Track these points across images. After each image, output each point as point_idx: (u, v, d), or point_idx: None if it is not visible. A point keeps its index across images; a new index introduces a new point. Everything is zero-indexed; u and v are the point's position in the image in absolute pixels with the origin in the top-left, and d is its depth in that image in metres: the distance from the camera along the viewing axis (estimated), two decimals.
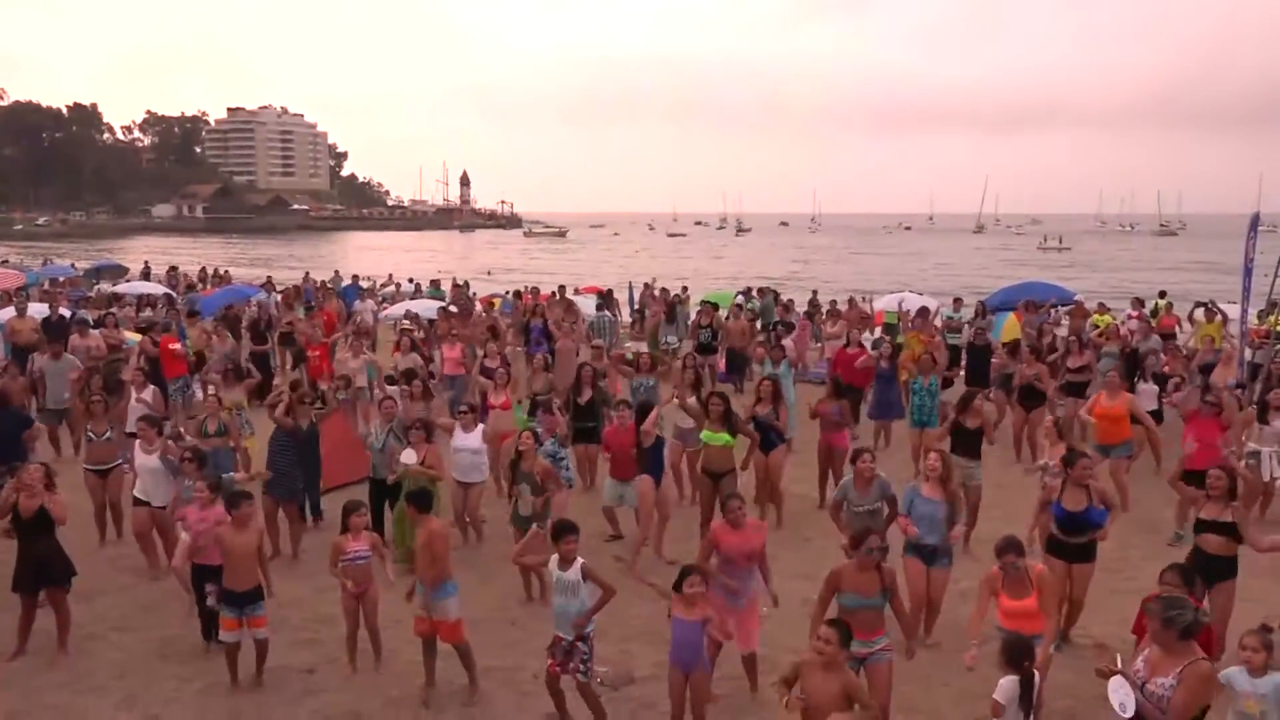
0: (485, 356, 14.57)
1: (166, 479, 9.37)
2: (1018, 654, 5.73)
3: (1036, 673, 5.79)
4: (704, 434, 9.84)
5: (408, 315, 21.48)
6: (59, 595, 8.01)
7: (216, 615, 8.00)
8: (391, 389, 12.34)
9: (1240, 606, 7.46)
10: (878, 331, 20.58)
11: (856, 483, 8.37)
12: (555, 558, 6.66)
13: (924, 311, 19.02)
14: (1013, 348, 14.97)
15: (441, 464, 9.83)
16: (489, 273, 58.99)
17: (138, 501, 9.61)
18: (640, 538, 9.87)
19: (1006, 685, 5.72)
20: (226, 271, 35.56)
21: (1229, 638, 6.88)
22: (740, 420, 10.29)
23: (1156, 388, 13.43)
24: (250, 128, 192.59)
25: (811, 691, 5.27)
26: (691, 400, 11.28)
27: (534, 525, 8.61)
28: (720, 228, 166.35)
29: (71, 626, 8.29)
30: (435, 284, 29.20)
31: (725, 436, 9.76)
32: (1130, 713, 4.86)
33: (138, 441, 9.67)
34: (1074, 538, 7.81)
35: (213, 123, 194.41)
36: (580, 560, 6.61)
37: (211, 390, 12.04)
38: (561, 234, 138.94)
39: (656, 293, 25.50)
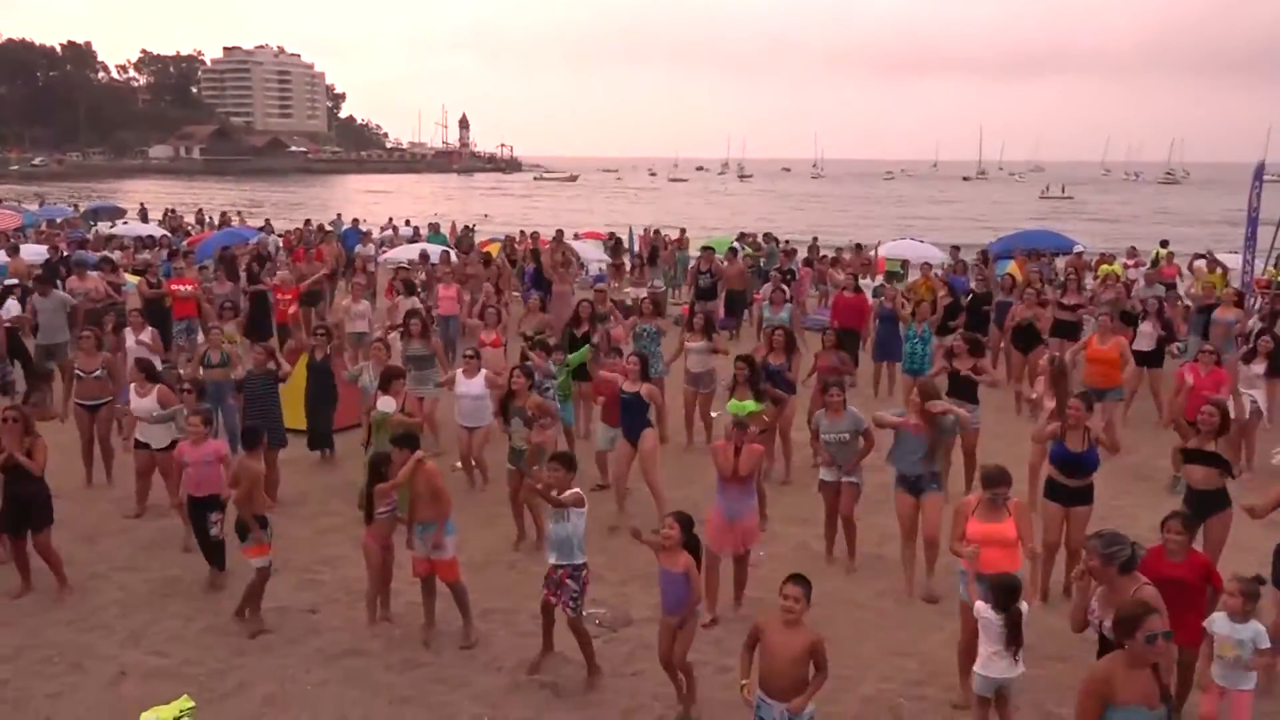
0: (483, 297, 14.55)
1: (163, 421, 9.43)
2: (1006, 594, 5.84)
3: (1022, 612, 5.92)
4: (730, 404, 9.54)
5: (422, 255, 21.33)
6: (40, 540, 8.01)
7: (219, 546, 8.18)
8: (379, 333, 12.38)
9: (1237, 555, 7.52)
10: (879, 279, 20.57)
11: (827, 412, 8.62)
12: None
13: (961, 266, 18.92)
14: (1011, 285, 14.98)
15: (419, 412, 9.85)
16: (485, 216, 58.66)
17: (138, 444, 9.67)
18: (618, 495, 9.87)
19: (980, 608, 5.91)
20: (225, 214, 35.36)
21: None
22: (768, 386, 10.04)
23: (1158, 329, 13.33)
24: (247, 68, 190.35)
25: (774, 648, 5.28)
26: (703, 343, 11.35)
27: (534, 466, 8.77)
28: (721, 173, 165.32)
29: (76, 565, 8.41)
30: (435, 228, 29.03)
31: (751, 404, 9.50)
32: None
33: (132, 385, 9.69)
34: (1073, 479, 7.86)
35: (209, 62, 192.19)
36: (573, 490, 6.69)
37: (214, 324, 12.09)
38: (572, 179, 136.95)
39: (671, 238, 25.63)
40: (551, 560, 6.77)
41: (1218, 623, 5.87)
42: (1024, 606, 5.96)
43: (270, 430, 10.07)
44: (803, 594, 5.27)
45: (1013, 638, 5.84)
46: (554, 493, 6.70)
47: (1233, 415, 10.63)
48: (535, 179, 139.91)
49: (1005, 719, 6.10)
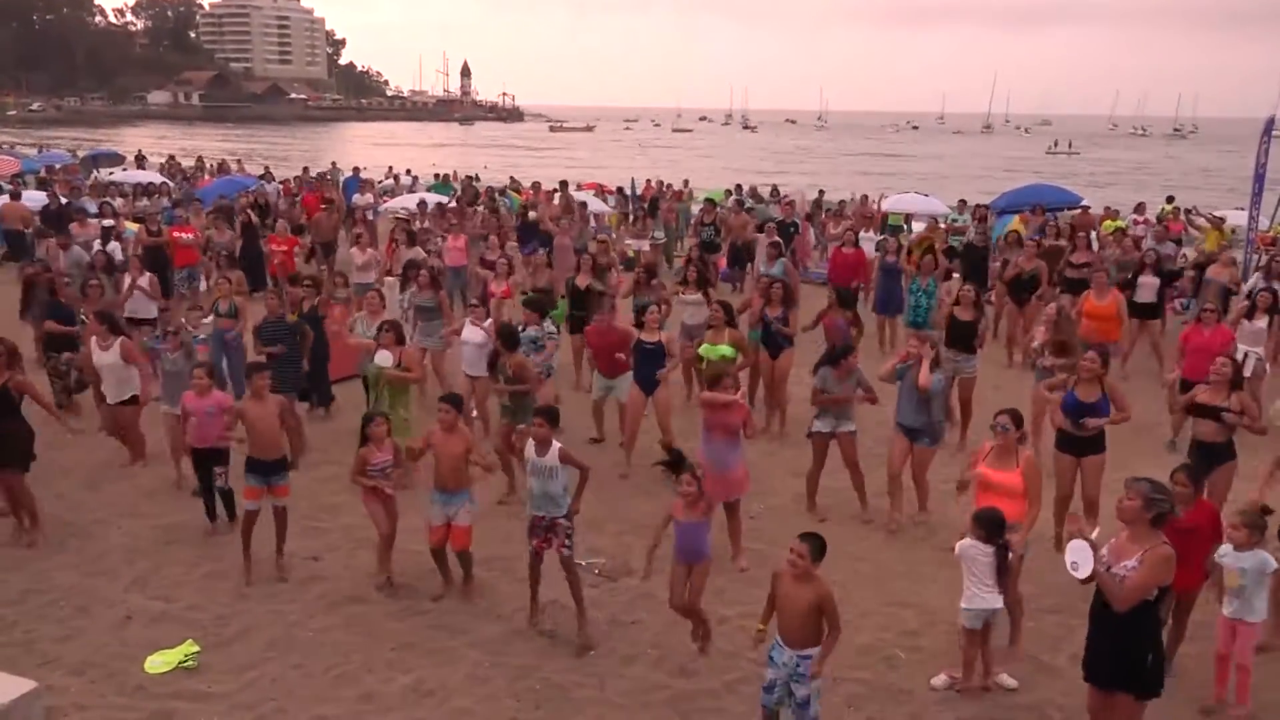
0: (486, 249, 14.49)
1: (127, 375, 9.33)
2: (989, 526, 5.98)
3: (1011, 549, 6.05)
4: (704, 348, 9.71)
5: (421, 204, 21.27)
6: (12, 479, 7.98)
7: (227, 496, 8.24)
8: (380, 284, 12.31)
9: (1244, 486, 7.58)
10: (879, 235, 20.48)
11: (835, 372, 8.61)
12: (531, 444, 6.72)
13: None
14: (1011, 239, 14.94)
15: (418, 366, 9.72)
16: (485, 167, 58.15)
17: (103, 401, 9.63)
18: (628, 443, 9.91)
19: (965, 544, 6.04)
20: (224, 161, 35.10)
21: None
22: (739, 334, 10.10)
23: (1157, 280, 13.32)
24: (245, 13, 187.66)
25: (784, 600, 5.39)
26: (697, 295, 11.34)
27: (519, 424, 8.73)
28: (725, 124, 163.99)
29: (80, 510, 8.52)
30: (444, 179, 28.80)
31: (725, 349, 9.62)
32: (1081, 574, 4.97)
33: (93, 338, 9.53)
34: (1083, 430, 7.88)
35: (207, 6, 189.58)
36: (557, 445, 6.63)
37: (222, 274, 12.06)
38: (588, 129, 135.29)
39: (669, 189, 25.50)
40: (536, 512, 6.75)
41: (1225, 555, 5.98)
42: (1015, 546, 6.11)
43: (289, 376, 10.06)
44: (807, 550, 5.31)
45: (1002, 569, 5.98)
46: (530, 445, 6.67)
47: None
48: (551, 129, 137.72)
49: (986, 655, 6.22)
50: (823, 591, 5.32)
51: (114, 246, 15.62)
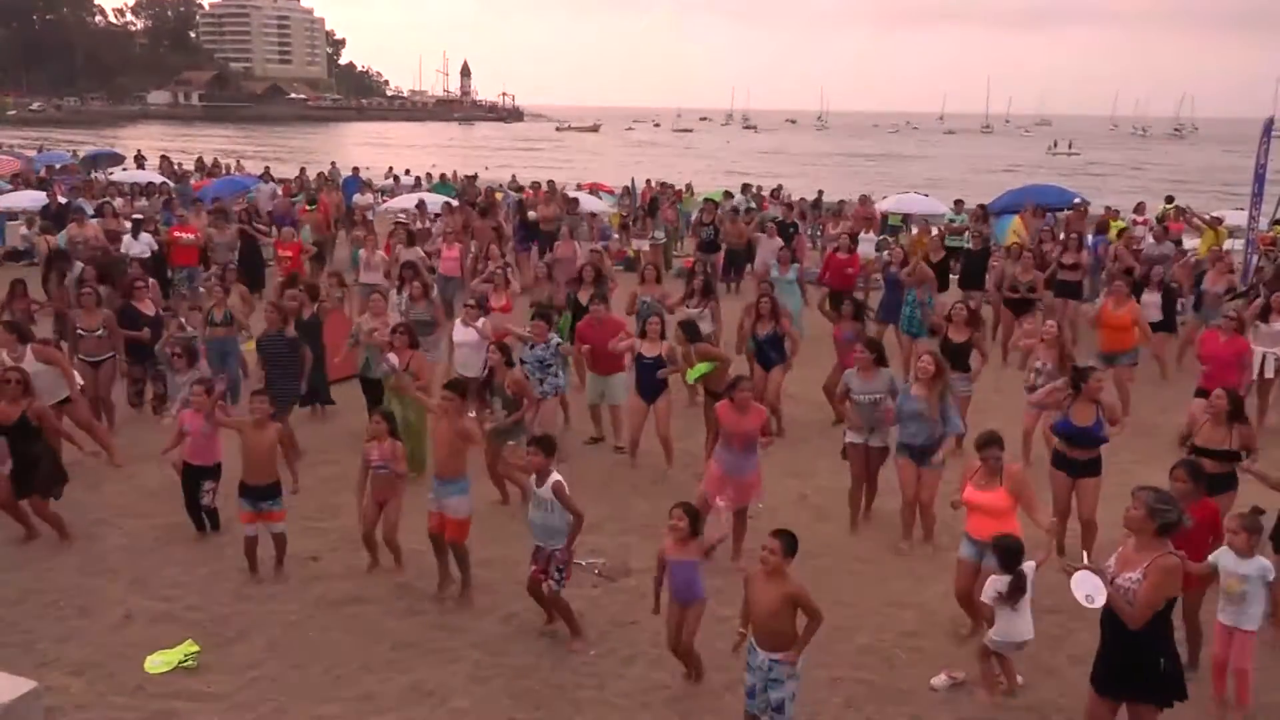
0: (487, 259, 14.42)
1: (50, 377, 9.19)
2: (1009, 556, 5.94)
3: (1026, 574, 6.02)
4: (688, 374, 9.66)
5: (419, 205, 21.30)
6: (38, 504, 8.01)
7: (212, 513, 8.24)
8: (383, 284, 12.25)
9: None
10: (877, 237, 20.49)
11: (859, 371, 8.50)
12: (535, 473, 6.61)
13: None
14: (1013, 252, 14.89)
15: (426, 371, 9.65)
16: (486, 168, 58.15)
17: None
18: (630, 450, 9.96)
19: (994, 585, 5.96)
20: (217, 160, 35.10)
21: None
22: (706, 346, 10.01)
23: (1160, 298, 13.32)
24: (245, 12, 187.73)
25: (754, 599, 5.37)
26: (699, 310, 11.34)
27: (509, 441, 8.67)
28: (725, 124, 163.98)
29: (80, 511, 8.50)
30: (444, 178, 28.79)
31: (703, 366, 9.55)
32: (1098, 604, 4.97)
33: (2, 350, 9.23)
34: (1078, 452, 7.82)
35: (207, 6, 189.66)
36: (554, 478, 6.49)
37: (217, 280, 12.01)
38: (594, 129, 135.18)
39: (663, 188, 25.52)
40: (536, 540, 6.70)
41: (1223, 558, 5.94)
42: (1029, 566, 6.06)
43: (287, 392, 9.87)
44: (780, 546, 5.27)
45: (1012, 594, 5.95)
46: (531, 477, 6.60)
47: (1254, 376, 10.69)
48: (557, 129, 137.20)
49: (1007, 668, 6.22)
50: (790, 589, 5.28)
51: (146, 239, 15.58)
